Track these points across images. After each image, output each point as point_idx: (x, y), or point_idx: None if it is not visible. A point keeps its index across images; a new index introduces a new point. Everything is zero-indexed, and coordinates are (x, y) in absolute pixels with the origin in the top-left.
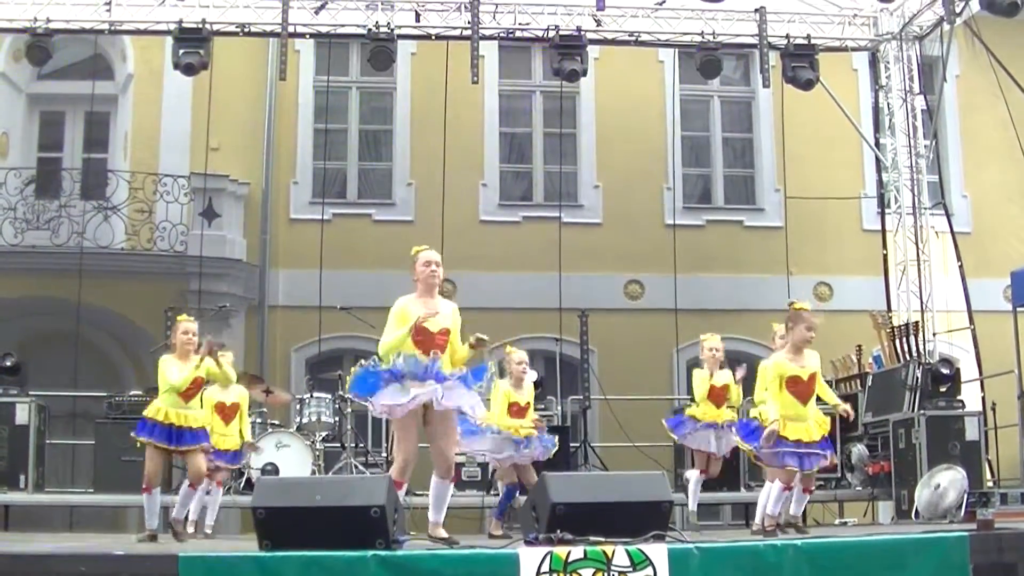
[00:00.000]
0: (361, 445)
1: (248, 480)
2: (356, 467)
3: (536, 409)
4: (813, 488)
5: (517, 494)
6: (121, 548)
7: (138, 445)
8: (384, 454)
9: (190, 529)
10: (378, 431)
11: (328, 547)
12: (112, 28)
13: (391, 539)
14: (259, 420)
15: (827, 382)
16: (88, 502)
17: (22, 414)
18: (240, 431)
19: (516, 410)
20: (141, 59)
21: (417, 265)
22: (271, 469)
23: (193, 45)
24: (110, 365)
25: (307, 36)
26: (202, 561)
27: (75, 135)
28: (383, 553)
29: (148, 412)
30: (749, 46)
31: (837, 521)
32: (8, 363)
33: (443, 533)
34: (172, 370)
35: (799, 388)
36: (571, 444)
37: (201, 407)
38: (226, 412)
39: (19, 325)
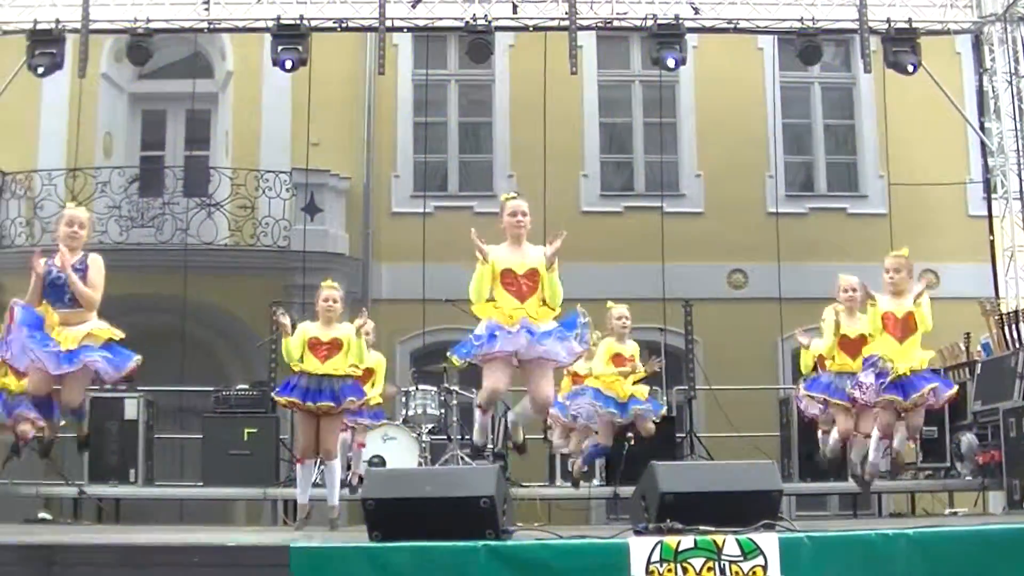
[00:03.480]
0: (467, 437)
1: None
2: (462, 459)
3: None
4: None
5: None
6: (232, 539)
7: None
8: (490, 445)
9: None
10: None
11: (437, 538)
12: (211, 27)
13: (501, 529)
14: None
15: (935, 371)
16: (197, 495)
17: (131, 409)
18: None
19: (620, 360)
20: (240, 56)
21: (504, 214)
22: (378, 462)
23: (292, 41)
24: (216, 360)
25: (404, 30)
26: (312, 552)
27: (177, 133)
28: (493, 543)
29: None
30: (849, 31)
31: (947, 511)
32: None
33: (521, 437)
34: (295, 338)
35: None
36: (677, 434)
37: None
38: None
39: (126, 322)
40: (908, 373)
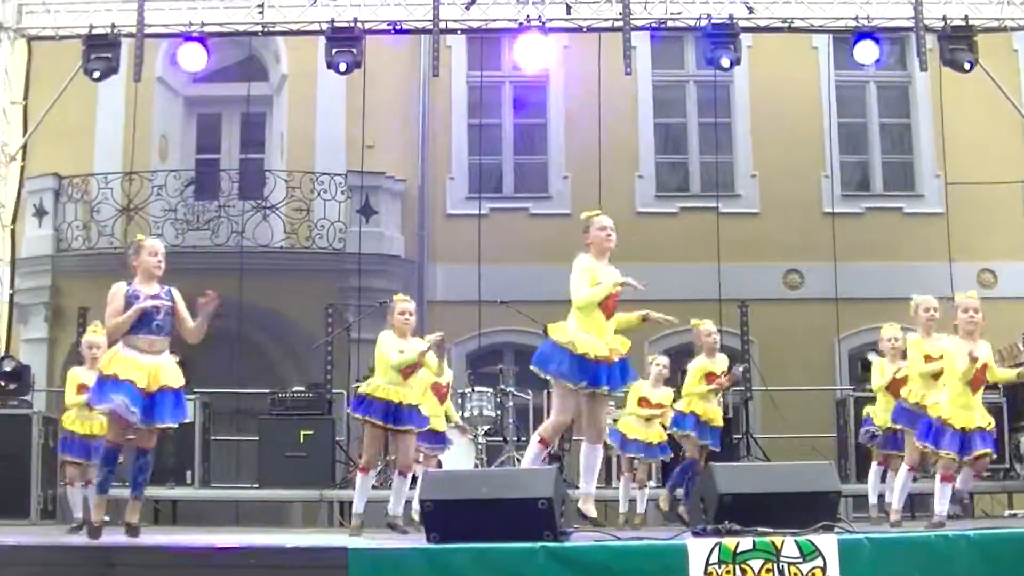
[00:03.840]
0: (523, 439)
1: (412, 475)
2: (518, 460)
3: None
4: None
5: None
6: (290, 541)
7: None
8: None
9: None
10: (540, 424)
11: (495, 539)
12: (265, 30)
13: (558, 531)
14: None
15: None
16: (253, 497)
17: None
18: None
19: (713, 378)
20: (294, 59)
21: (592, 230)
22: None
23: (346, 44)
24: (271, 362)
25: (458, 32)
26: (371, 554)
27: (232, 136)
28: (551, 545)
29: (365, 388)
30: (905, 29)
31: (1007, 513)
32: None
33: (593, 511)
34: (391, 347)
35: None
36: (734, 436)
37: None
38: (442, 392)
39: None
40: (973, 429)
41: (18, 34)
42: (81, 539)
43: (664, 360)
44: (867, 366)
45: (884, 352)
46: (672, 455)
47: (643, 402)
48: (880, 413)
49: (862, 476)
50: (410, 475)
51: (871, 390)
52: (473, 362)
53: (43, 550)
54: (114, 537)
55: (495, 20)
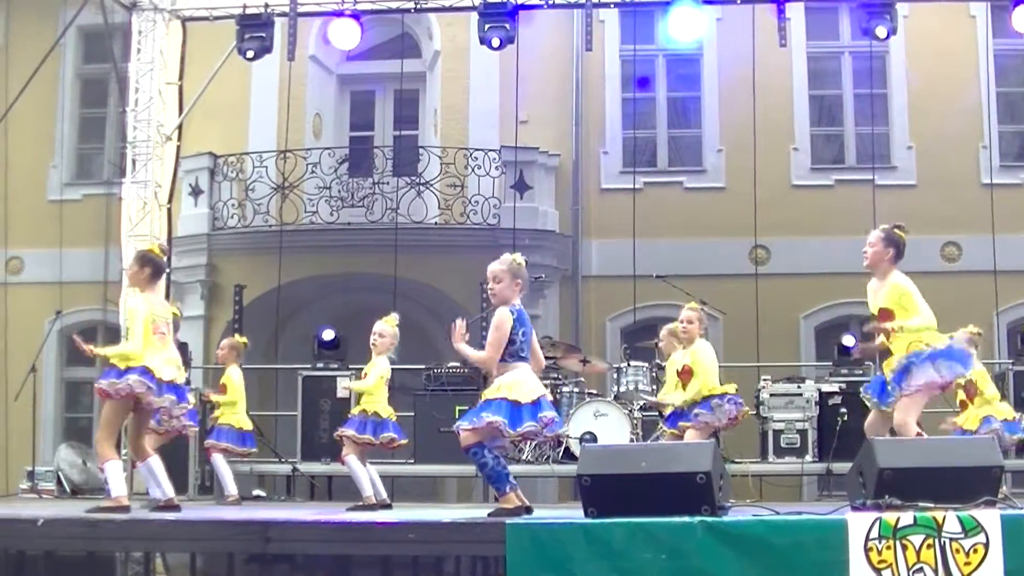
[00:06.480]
0: None
1: (567, 449)
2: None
3: None
4: None
5: None
6: (448, 516)
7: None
8: None
9: None
10: None
11: (653, 514)
12: (418, 6)
13: (717, 505)
14: (576, 390)
15: None
16: (408, 472)
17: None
18: None
19: None
20: (447, 36)
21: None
22: (589, 438)
23: (498, 20)
24: (427, 338)
25: (611, 5)
26: (529, 529)
27: (385, 113)
28: (710, 520)
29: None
30: None
31: None
32: (328, 338)
33: None
34: None
35: None
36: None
37: None
38: None
39: (337, 301)
40: None
41: (173, 15)
42: (239, 513)
43: None
44: None
45: None
46: None
47: None
48: None
49: (1022, 451)
50: None
51: None
52: (628, 337)
53: (204, 525)
54: (270, 512)
55: None
